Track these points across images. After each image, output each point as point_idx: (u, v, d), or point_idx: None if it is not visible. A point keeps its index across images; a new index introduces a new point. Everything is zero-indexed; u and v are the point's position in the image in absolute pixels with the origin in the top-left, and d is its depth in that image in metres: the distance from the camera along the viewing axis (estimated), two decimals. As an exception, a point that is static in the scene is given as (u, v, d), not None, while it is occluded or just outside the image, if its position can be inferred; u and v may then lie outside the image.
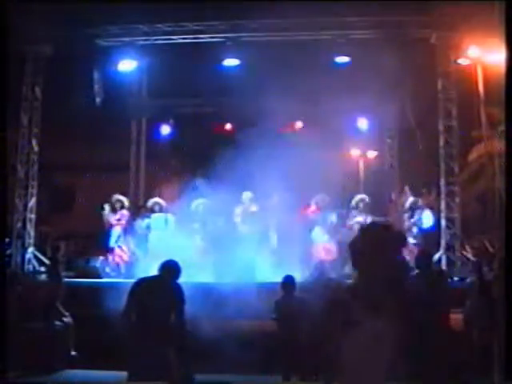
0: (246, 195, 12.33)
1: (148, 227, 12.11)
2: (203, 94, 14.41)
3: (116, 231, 11.99)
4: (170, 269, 5.38)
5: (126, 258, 12.10)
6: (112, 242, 11.92)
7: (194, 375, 6.14)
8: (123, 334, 5.25)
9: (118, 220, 12.05)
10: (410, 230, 11.95)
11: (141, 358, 4.93)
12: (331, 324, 2.75)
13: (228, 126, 15.92)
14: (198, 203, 12.08)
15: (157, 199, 12.41)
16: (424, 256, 7.85)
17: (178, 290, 5.21)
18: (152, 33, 11.97)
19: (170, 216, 12.11)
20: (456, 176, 11.71)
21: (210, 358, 6.97)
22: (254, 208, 12.30)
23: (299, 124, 15.56)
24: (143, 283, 5.47)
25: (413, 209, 12.31)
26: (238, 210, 12.34)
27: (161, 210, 12.09)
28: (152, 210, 12.15)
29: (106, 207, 12.03)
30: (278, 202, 12.12)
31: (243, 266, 11.30)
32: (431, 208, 12.16)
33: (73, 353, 8.19)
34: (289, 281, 7.03)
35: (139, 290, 5.28)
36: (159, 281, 5.34)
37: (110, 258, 11.84)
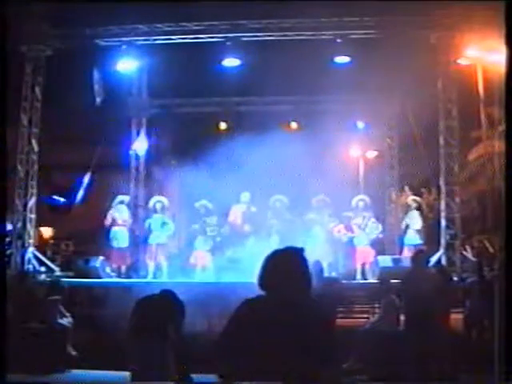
0: (245, 196, 12.34)
1: (149, 228, 12.08)
2: (203, 94, 14.41)
3: (118, 231, 11.96)
4: (168, 292, 5.43)
5: (127, 258, 12.10)
6: (114, 243, 11.89)
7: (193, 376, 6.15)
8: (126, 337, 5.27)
9: (121, 220, 12.03)
10: (405, 230, 12.00)
11: (142, 358, 4.96)
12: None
13: (228, 126, 15.90)
14: (201, 204, 12.06)
15: (159, 197, 12.38)
16: (419, 255, 7.88)
17: (179, 305, 5.27)
18: (152, 33, 11.97)
19: (169, 216, 12.09)
20: (456, 176, 11.71)
21: (209, 358, 6.95)
22: (253, 208, 12.30)
23: (299, 124, 15.55)
24: (144, 302, 5.50)
25: (406, 209, 12.38)
26: (238, 211, 12.34)
27: (163, 209, 12.04)
28: (154, 210, 12.11)
29: (113, 207, 12.03)
30: (278, 201, 12.13)
31: (244, 266, 11.31)
32: (419, 208, 12.18)
33: (73, 353, 8.18)
34: None
35: (142, 305, 5.33)
36: (160, 298, 5.40)
37: (111, 258, 11.81)
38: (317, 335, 2.47)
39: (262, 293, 2.61)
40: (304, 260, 2.68)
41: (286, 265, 2.63)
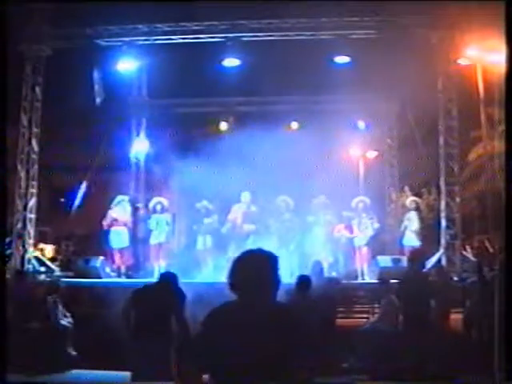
0: (245, 195, 12.34)
1: (150, 228, 12.07)
2: (203, 93, 14.41)
3: (118, 231, 11.95)
4: (169, 278, 5.43)
5: (127, 258, 12.09)
6: (113, 243, 11.89)
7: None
8: (125, 334, 5.25)
9: (122, 220, 12.02)
10: (404, 231, 11.98)
11: (143, 358, 4.94)
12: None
13: (229, 126, 15.91)
14: (202, 205, 12.07)
15: (159, 198, 12.38)
16: (414, 256, 7.88)
17: (179, 293, 5.24)
18: (152, 33, 11.97)
19: (169, 217, 12.09)
20: (456, 176, 11.71)
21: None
22: (253, 208, 12.30)
23: (299, 124, 15.56)
24: (143, 289, 5.49)
25: (405, 210, 12.37)
26: (238, 210, 12.34)
27: (162, 210, 12.05)
28: (154, 210, 12.10)
29: (112, 207, 12.02)
30: (283, 202, 12.12)
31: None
32: (418, 209, 12.17)
33: (73, 353, 8.18)
34: (304, 280, 6.84)
35: (140, 295, 5.31)
36: (159, 286, 5.38)
37: (111, 258, 11.81)
38: (283, 339, 2.44)
39: (233, 296, 2.59)
40: (274, 263, 2.62)
41: (253, 267, 2.57)
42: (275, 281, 2.59)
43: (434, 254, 11.33)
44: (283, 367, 2.42)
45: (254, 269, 2.57)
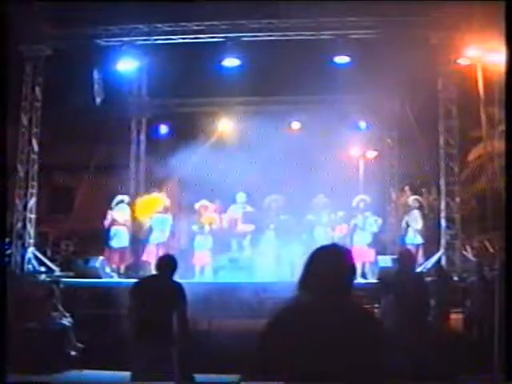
0: (241, 196, 12.34)
1: (150, 228, 12.08)
2: (203, 93, 14.41)
3: (118, 231, 11.95)
4: (166, 264, 5.34)
5: (127, 258, 12.09)
6: (114, 243, 11.89)
7: (194, 375, 6.14)
8: (127, 333, 5.23)
9: (121, 220, 12.02)
10: (405, 229, 11.97)
11: (143, 358, 4.91)
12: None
13: (229, 126, 15.92)
14: (201, 205, 12.08)
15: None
16: (406, 256, 7.88)
17: (179, 288, 5.17)
18: (152, 33, 11.96)
19: (169, 216, 12.10)
20: (456, 176, 11.71)
21: (210, 357, 6.97)
22: (251, 208, 12.31)
23: (299, 124, 15.57)
24: (142, 284, 5.45)
25: (407, 209, 12.36)
26: (237, 211, 12.35)
27: (163, 209, 12.06)
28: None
29: (112, 207, 12.03)
30: (274, 202, 12.13)
31: (242, 266, 11.33)
32: (420, 208, 12.16)
33: (73, 353, 8.19)
34: None
35: (139, 292, 5.26)
36: (158, 280, 5.31)
37: (111, 258, 11.81)
38: (368, 337, 2.32)
39: (300, 294, 2.44)
40: (350, 258, 2.48)
41: (332, 264, 2.41)
42: (352, 278, 2.45)
43: (434, 253, 11.33)
44: (367, 375, 2.26)
45: (331, 266, 2.40)
